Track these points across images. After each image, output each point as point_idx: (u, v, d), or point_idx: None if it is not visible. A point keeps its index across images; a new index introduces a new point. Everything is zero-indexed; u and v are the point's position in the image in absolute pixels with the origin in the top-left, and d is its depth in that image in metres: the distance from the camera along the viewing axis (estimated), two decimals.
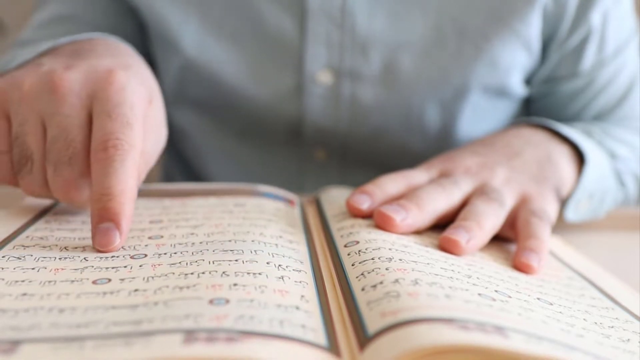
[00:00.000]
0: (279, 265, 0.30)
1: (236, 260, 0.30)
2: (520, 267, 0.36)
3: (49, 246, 0.32)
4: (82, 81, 0.34)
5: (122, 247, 0.32)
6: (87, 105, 0.34)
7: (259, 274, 0.28)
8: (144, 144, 0.35)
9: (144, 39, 0.61)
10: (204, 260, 0.30)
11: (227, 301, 0.25)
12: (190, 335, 0.22)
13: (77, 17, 0.58)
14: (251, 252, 0.31)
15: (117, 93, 0.34)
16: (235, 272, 0.28)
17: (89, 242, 0.33)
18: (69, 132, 0.33)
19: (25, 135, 0.34)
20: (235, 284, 0.27)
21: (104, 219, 0.31)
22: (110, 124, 0.33)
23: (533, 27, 0.55)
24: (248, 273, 0.28)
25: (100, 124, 0.33)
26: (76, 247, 0.32)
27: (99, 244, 0.31)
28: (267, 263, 0.30)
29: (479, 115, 0.59)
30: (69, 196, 0.34)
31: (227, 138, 0.61)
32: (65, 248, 0.32)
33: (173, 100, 0.60)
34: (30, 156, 0.34)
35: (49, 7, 0.59)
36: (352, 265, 0.31)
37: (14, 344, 0.21)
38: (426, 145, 0.59)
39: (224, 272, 0.28)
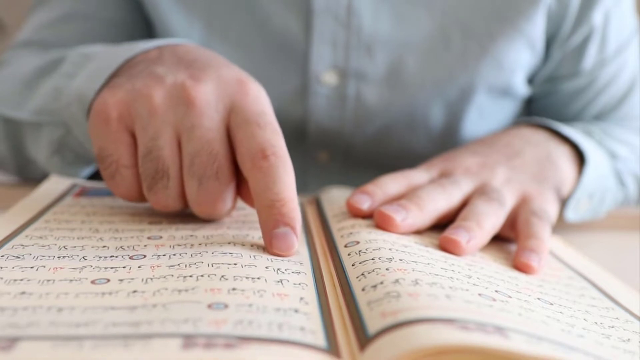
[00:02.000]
0: (278, 269, 0.30)
1: (235, 264, 0.29)
2: (520, 267, 0.35)
3: (48, 245, 0.32)
4: (216, 93, 0.34)
5: (121, 247, 0.32)
6: (224, 117, 0.34)
7: (258, 278, 0.28)
8: None
9: (152, 37, 0.60)
10: (202, 262, 0.29)
11: (226, 306, 0.25)
12: (189, 340, 0.22)
13: (89, 14, 0.56)
14: (250, 256, 0.31)
15: (256, 103, 0.34)
16: (234, 276, 0.28)
17: (88, 241, 0.33)
18: (212, 145, 0.33)
19: (160, 149, 0.33)
20: (234, 288, 0.27)
21: (280, 224, 0.32)
22: (261, 132, 0.33)
23: (538, 27, 0.55)
24: (247, 277, 0.28)
25: (249, 133, 0.33)
26: (75, 247, 0.32)
27: (280, 249, 0.31)
28: (266, 267, 0.30)
29: (483, 116, 0.59)
30: (214, 209, 0.34)
31: None
32: (64, 247, 0.31)
33: None
34: (167, 171, 0.33)
35: (53, 5, 0.57)
36: (353, 265, 0.31)
37: (12, 341, 0.21)
38: (430, 145, 0.59)
39: (222, 276, 0.28)
